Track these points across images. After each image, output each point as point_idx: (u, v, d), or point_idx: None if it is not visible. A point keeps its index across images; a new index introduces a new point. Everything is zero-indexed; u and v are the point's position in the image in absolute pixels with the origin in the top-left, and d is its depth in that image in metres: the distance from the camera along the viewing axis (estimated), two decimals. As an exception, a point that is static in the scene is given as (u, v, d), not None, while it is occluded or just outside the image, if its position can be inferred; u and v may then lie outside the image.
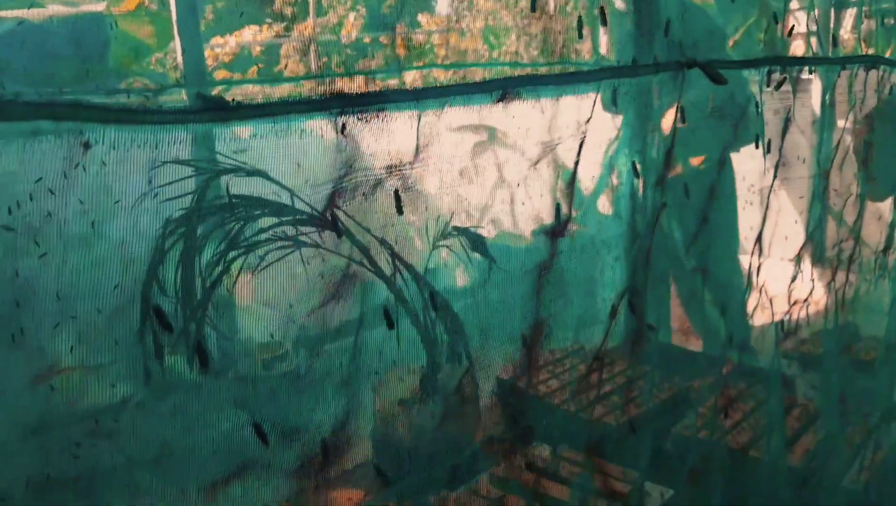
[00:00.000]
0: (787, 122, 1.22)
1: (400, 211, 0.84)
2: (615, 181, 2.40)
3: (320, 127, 0.65)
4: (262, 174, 1.85)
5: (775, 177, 1.23)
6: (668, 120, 2.31)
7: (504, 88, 0.72)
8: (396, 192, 0.85)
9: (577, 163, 1.00)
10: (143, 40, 3.39)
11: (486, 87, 0.72)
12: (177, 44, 2.66)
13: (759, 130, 1.19)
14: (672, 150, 1.02)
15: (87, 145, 0.61)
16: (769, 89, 1.15)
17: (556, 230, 0.95)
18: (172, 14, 2.53)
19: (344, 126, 0.63)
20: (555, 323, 1.25)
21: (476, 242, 1.97)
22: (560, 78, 0.76)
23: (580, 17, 1.39)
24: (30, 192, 1.70)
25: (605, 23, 1.61)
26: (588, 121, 1.06)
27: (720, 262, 2.33)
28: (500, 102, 0.74)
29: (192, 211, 1.72)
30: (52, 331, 1.97)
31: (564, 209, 0.96)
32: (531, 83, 0.75)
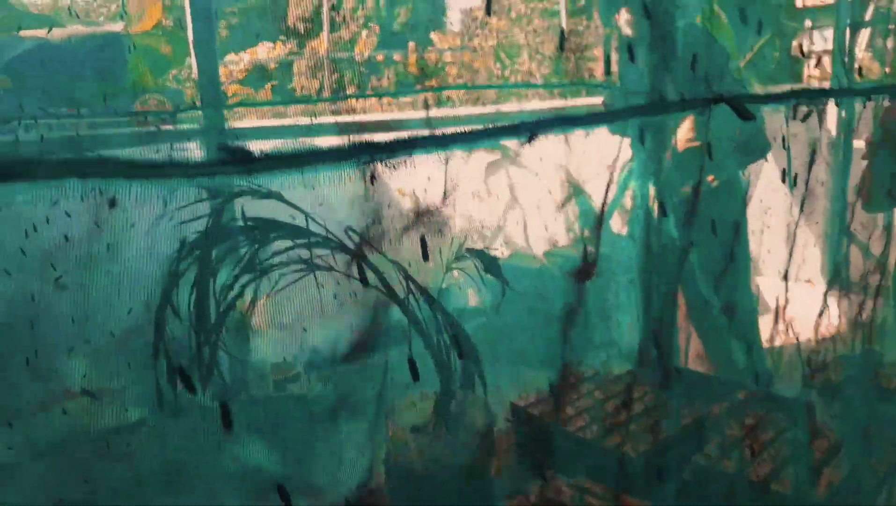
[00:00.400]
0: (813, 155, 1.20)
1: (426, 257, 0.82)
2: (630, 203, 2.38)
3: (347, 174, 0.64)
4: (277, 196, 1.84)
5: (801, 211, 1.20)
6: (680, 136, 2.30)
7: (533, 131, 0.71)
8: (423, 238, 0.84)
9: (604, 204, 0.98)
10: (159, 58, 3.41)
11: (515, 130, 0.71)
12: (192, 61, 2.67)
13: (785, 163, 1.17)
14: (699, 186, 1.00)
15: (112, 203, 0.60)
16: (795, 120, 1.13)
17: (581, 272, 0.93)
18: (189, 33, 2.55)
19: (373, 176, 0.61)
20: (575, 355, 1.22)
21: (490, 265, 1.95)
22: (590, 119, 0.75)
23: (607, 55, 1.38)
24: (47, 214, 1.70)
25: (632, 59, 1.59)
26: (615, 160, 1.04)
27: (734, 288, 2.29)
28: (529, 143, 0.73)
29: (208, 234, 1.71)
30: (67, 354, 1.96)
31: (591, 250, 0.94)
32: (560, 124, 0.73)
